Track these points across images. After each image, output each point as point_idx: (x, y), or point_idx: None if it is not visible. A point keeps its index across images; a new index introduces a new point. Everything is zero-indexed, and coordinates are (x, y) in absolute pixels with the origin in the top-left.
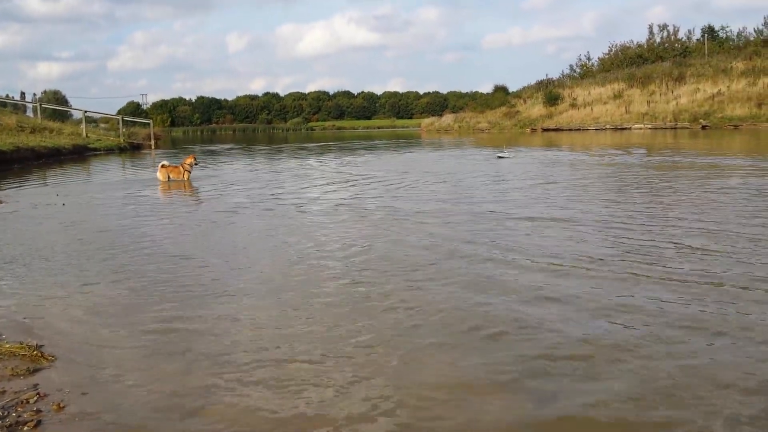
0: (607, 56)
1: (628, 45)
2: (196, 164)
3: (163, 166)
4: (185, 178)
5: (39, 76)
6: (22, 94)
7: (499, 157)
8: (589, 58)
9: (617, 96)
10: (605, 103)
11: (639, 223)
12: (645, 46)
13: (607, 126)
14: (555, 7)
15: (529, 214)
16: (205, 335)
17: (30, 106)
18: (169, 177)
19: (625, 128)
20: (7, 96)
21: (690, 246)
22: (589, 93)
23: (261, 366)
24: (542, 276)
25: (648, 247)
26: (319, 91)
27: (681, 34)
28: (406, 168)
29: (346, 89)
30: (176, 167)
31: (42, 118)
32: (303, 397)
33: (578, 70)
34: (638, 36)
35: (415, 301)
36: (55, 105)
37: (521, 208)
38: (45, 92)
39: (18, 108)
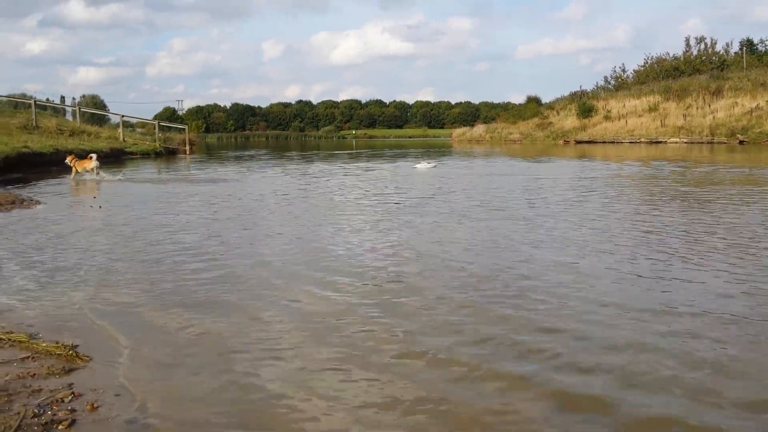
0: (642, 68)
1: (663, 57)
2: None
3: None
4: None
5: (79, 81)
6: (62, 98)
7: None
8: (624, 70)
9: (652, 109)
10: (640, 115)
11: None
12: (681, 59)
13: (642, 139)
14: (588, 18)
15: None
16: (239, 338)
17: (69, 109)
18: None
19: (660, 142)
20: (48, 100)
21: None
22: (624, 105)
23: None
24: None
25: None
26: (352, 100)
27: (719, 47)
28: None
29: (378, 98)
30: (83, 161)
31: (81, 121)
32: None
33: (613, 82)
34: (674, 48)
35: None
36: (94, 109)
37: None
38: (84, 96)
39: (58, 111)
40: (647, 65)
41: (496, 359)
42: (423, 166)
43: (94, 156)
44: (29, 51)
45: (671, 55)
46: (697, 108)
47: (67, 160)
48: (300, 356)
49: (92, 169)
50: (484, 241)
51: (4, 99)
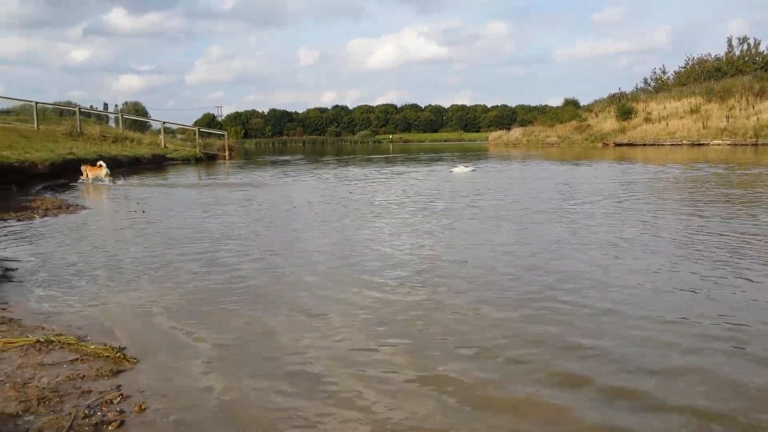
0: (683, 70)
1: (705, 58)
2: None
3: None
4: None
5: (121, 88)
6: (105, 105)
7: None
8: (664, 72)
9: (694, 110)
10: (681, 117)
11: None
12: (724, 60)
13: (684, 141)
14: (628, 20)
15: None
16: (283, 337)
17: (112, 116)
18: (87, 175)
19: (702, 144)
20: (91, 107)
21: None
22: (665, 107)
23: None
24: None
25: None
26: (387, 104)
27: (762, 47)
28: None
29: (414, 102)
30: (95, 167)
31: (123, 128)
32: None
33: (653, 83)
34: (716, 49)
35: None
36: (136, 116)
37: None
38: (126, 103)
39: (101, 118)
40: (688, 66)
41: (551, 357)
42: (461, 169)
43: (103, 164)
44: (74, 59)
45: (713, 56)
46: (740, 109)
47: (82, 169)
48: (350, 356)
49: (105, 176)
50: (528, 245)
51: (50, 107)
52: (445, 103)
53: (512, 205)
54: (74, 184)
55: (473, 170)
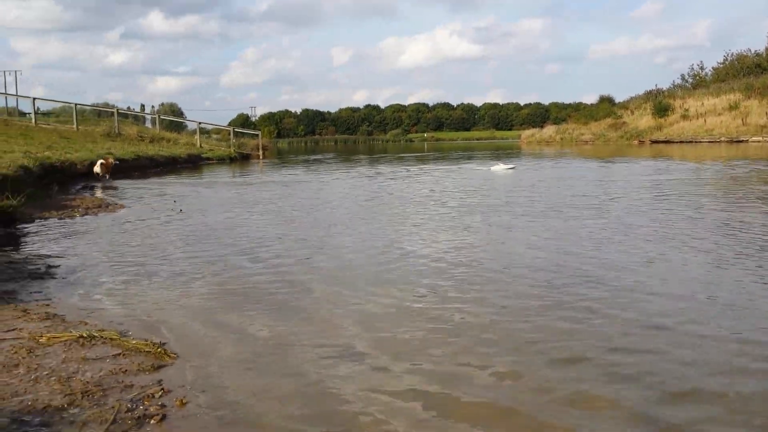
0: (721, 66)
1: (745, 54)
2: (115, 163)
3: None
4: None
5: (157, 90)
6: (142, 106)
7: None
8: (702, 68)
9: (733, 107)
10: (719, 114)
11: None
12: (764, 55)
13: (722, 138)
14: (665, 15)
15: None
16: (323, 338)
17: (149, 117)
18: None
19: (741, 141)
20: (129, 108)
21: None
22: (702, 104)
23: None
24: None
25: None
26: (419, 103)
27: None
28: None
29: (446, 101)
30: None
31: (160, 128)
32: None
33: (690, 80)
34: (756, 44)
35: None
36: (172, 117)
37: None
38: (163, 105)
39: (138, 119)
40: (727, 62)
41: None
42: (500, 167)
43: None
44: (112, 62)
45: (753, 51)
46: None
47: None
48: (381, 359)
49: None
50: (574, 244)
51: (89, 108)
52: (478, 102)
53: (562, 203)
54: (114, 184)
55: (513, 168)
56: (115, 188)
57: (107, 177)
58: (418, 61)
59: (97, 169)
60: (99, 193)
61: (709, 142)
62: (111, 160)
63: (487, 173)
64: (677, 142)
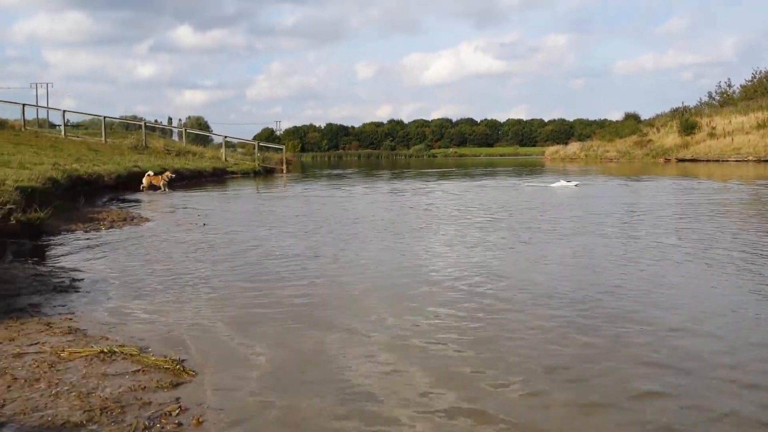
0: (750, 83)
1: None
2: (172, 176)
3: (147, 175)
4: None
5: (184, 103)
6: (169, 119)
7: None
8: (729, 85)
9: (761, 125)
10: (747, 132)
11: None
12: None
13: (750, 157)
14: (692, 32)
15: None
16: (343, 357)
17: (176, 130)
18: (151, 184)
19: None
20: (156, 121)
21: None
22: (730, 122)
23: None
24: None
25: None
26: (443, 119)
27: None
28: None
29: (470, 116)
30: (157, 176)
31: (186, 142)
32: None
33: (717, 97)
34: None
35: None
36: (198, 130)
37: None
38: (189, 118)
39: (165, 132)
40: (755, 80)
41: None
42: (561, 184)
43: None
44: (140, 75)
45: None
46: None
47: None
48: (410, 376)
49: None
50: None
51: (117, 121)
52: (501, 117)
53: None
54: (139, 197)
55: (576, 185)
56: (141, 201)
57: (166, 190)
58: (442, 76)
59: (160, 181)
60: (126, 207)
61: (736, 161)
62: (168, 173)
63: (547, 190)
64: (704, 161)
